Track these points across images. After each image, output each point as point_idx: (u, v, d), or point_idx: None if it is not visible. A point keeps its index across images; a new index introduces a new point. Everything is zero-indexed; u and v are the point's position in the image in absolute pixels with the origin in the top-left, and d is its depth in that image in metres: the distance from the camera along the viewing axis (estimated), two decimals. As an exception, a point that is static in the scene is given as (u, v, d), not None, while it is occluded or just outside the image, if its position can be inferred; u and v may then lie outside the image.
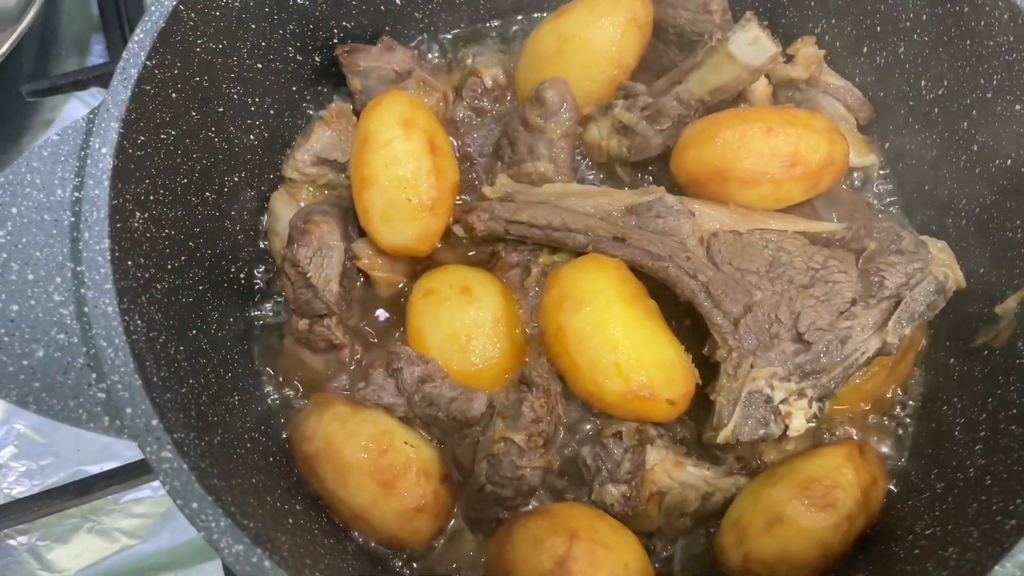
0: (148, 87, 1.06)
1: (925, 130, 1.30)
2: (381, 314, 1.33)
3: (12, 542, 1.47)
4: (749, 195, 1.23)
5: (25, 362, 0.94)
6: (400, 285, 1.32)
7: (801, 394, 1.11)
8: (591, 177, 1.39)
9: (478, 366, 1.21)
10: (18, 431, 1.54)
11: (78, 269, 0.95)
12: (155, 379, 0.94)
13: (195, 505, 0.87)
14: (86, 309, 0.93)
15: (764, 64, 1.26)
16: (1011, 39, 1.12)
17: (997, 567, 0.86)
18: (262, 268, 1.37)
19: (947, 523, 1.02)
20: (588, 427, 1.24)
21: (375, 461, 1.13)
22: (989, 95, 1.17)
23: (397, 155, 1.20)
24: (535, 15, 1.53)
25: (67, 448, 1.53)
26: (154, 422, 0.90)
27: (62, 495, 1.37)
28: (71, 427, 1.50)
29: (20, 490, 1.49)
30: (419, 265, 1.32)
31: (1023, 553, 0.86)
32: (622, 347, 1.12)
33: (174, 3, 1.09)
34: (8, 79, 1.73)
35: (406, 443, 1.16)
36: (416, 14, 1.47)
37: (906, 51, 1.28)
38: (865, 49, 1.34)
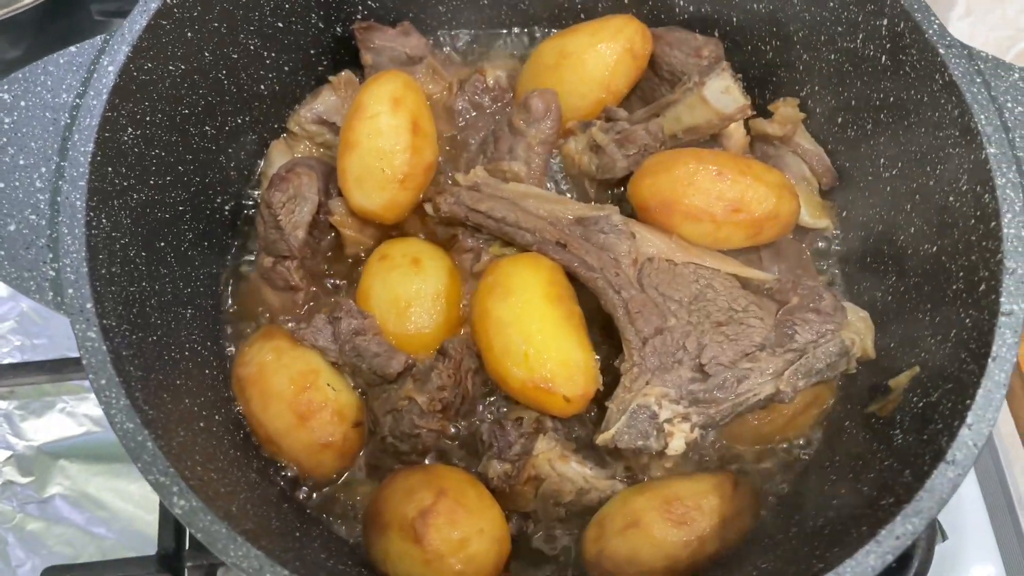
0: (165, 22, 1.18)
1: (877, 205, 1.34)
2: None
3: (-6, 406, 1.60)
4: (691, 230, 1.30)
5: (-4, 231, 1.07)
6: (363, 246, 1.42)
7: (686, 418, 1.18)
8: (558, 185, 1.48)
9: (410, 332, 1.30)
10: (21, 309, 1.67)
11: (61, 164, 1.08)
12: (103, 271, 1.06)
13: (103, 382, 0.99)
14: (59, 199, 1.07)
15: (734, 113, 1.33)
16: (956, 134, 1.17)
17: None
18: (249, 205, 1.47)
19: (779, 561, 1.09)
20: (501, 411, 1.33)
21: (297, 394, 1.23)
22: (931, 183, 1.22)
23: (380, 128, 1.30)
24: (552, 30, 1.60)
25: (60, 334, 1.66)
26: (88, 305, 1.02)
27: (38, 369, 1.50)
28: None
29: (10, 360, 1.63)
30: (387, 232, 1.42)
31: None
32: (534, 339, 1.20)
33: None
34: (86, -3, 1.89)
35: (329, 385, 1.26)
36: (440, 7, 1.56)
37: (873, 128, 1.33)
38: (840, 119, 1.40)
